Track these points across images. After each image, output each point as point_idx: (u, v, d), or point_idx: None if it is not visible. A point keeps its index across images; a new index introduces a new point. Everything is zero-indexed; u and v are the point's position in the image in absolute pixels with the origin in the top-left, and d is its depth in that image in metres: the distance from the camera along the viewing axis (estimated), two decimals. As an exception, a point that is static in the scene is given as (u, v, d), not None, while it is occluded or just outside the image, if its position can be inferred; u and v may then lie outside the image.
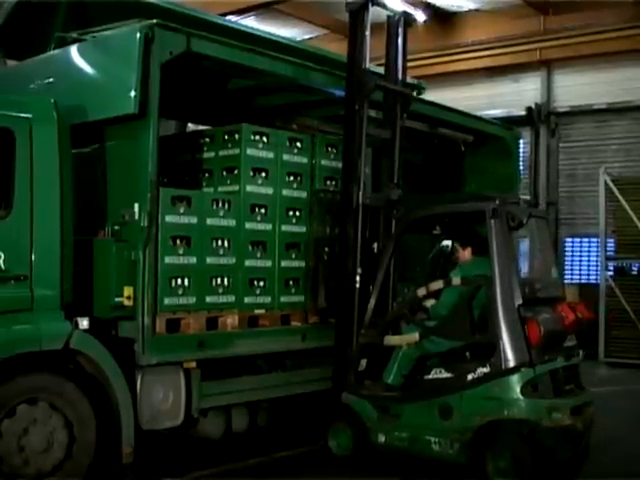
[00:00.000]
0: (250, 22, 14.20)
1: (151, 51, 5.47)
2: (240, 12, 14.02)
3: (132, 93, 5.44)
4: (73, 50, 6.08)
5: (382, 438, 6.04)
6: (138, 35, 5.45)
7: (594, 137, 15.39)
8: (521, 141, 10.50)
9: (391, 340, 6.17)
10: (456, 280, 6.01)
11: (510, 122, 10.75)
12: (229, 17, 12.14)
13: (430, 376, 5.91)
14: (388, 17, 6.99)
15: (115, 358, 5.42)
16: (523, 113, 15.56)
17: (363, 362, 6.29)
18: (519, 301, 5.61)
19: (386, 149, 6.83)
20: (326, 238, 6.89)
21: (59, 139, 5.40)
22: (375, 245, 6.59)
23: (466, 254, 6.33)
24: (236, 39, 6.24)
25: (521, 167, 10.98)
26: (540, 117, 15.73)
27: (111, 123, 5.80)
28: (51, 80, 6.06)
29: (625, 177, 13.50)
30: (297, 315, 6.77)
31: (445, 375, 5.83)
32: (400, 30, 6.93)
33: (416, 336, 6.00)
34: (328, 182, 6.99)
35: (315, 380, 6.87)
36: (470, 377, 5.65)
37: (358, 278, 6.32)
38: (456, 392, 5.70)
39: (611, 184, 12.86)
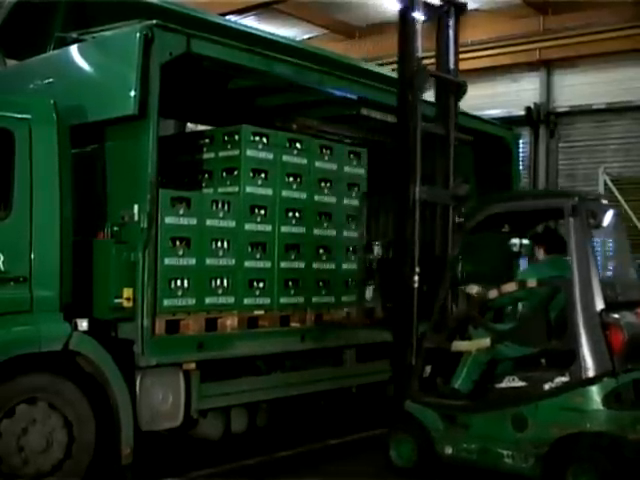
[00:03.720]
0: (250, 22, 14.19)
1: (151, 52, 5.47)
2: (240, 12, 14.01)
3: (132, 94, 5.44)
4: (73, 50, 6.08)
5: (449, 450, 5.68)
6: (138, 36, 5.45)
7: (593, 137, 15.37)
8: (520, 141, 10.49)
9: (460, 346, 5.83)
10: (532, 282, 5.66)
11: (510, 122, 10.76)
12: (229, 17, 12.14)
13: (502, 384, 5.54)
14: (438, 7, 6.68)
15: (114, 359, 5.42)
16: (522, 113, 15.54)
17: (427, 368, 5.97)
18: (601, 305, 5.24)
19: (440, 145, 6.54)
20: (378, 241, 6.69)
21: (58, 140, 5.40)
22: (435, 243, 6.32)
23: (540, 253, 6.05)
24: (236, 39, 6.24)
25: (521, 167, 10.97)
26: (539, 117, 15.72)
27: (111, 124, 5.79)
28: (51, 80, 6.05)
29: (625, 177, 13.50)
30: (296, 316, 6.77)
31: (519, 383, 5.45)
32: (451, 20, 6.66)
33: (487, 341, 5.68)
34: (322, 184, 6.98)
35: (315, 381, 6.88)
36: (547, 386, 5.29)
37: (416, 278, 6.01)
38: (531, 402, 5.35)
39: (610, 184, 12.85)
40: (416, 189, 6.06)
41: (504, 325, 5.93)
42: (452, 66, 6.62)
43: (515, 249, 6.91)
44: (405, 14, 6.32)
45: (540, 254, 6.07)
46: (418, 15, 6.32)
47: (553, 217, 5.97)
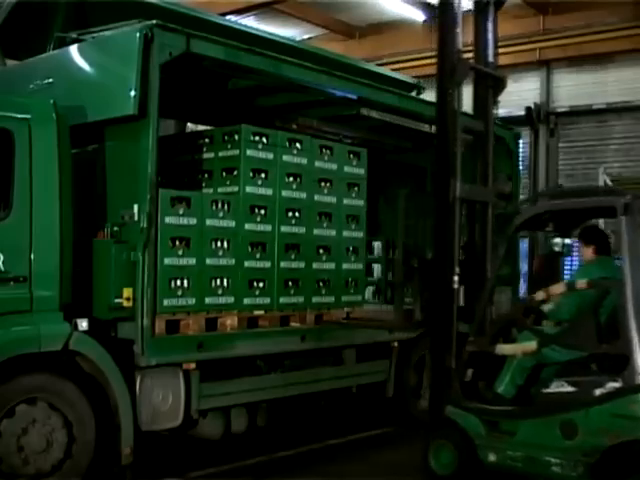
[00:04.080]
0: (250, 22, 14.19)
1: (151, 52, 5.47)
2: (240, 12, 14.00)
3: (132, 94, 5.44)
4: (73, 50, 6.08)
5: (493, 457, 5.44)
6: (138, 35, 5.45)
7: (593, 137, 15.35)
8: (520, 141, 10.48)
9: (506, 349, 5.62)
10: (581, 283, 5.39)
11: (510, 122, 10.72)
12: (229, 17, 12.14)
13: (550, 390, 5.30)
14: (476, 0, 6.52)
15: (114, 359, 5.42)
16: (522, 113, 15.54)
17: (468, 372, 5.76)
18: None
19: (478, 141, 6.38)
20: (417, 242, 6.54)
21: (58, 140, 5.40)
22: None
23: (589, 253, 5.84)
24: (236, 39, 6.24)
25: (521, 167, 10.96)
26: (539, 117, 15.71)
27: (111, 124, 5.79)
28: (50, 80, 6.05)
29: (625, 177, 13.49)
30: (296, 316, 6.77)
31: (568, 389, 5.21)
32: (490, 12, 6.47)
33: (534, 345, 5.46)
34: (322, 184, 6.98)
35: (315, 381, 6.88)
36: (598, 392, 5.03)
37: (456, 279, 5.80)
38: (581, 408, 5.09)
39: (610, 184, 12.84)
40: (456, 186, 5.81)
41: (551, 328, 5.70)
42: (491, 60, 6.40)
43: (557, 249, 6.67)
44: (446, 4, 6.13)
45: (588, 254, 5.87)
46: (459, 6, 6.11)
47: (601, 216, 5.75)
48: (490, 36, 6.43)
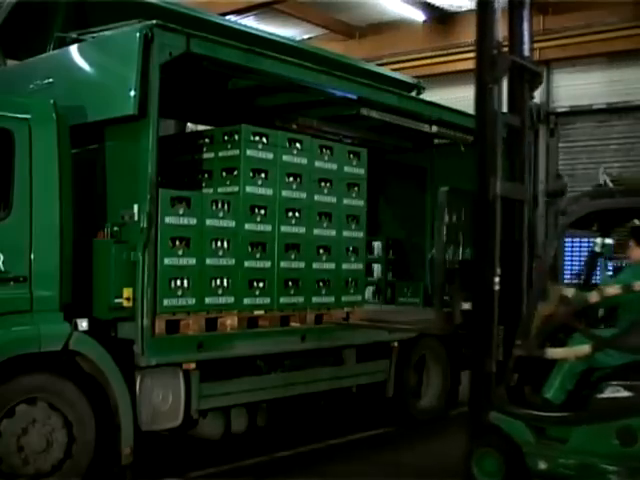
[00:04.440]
0: (250, 22, 14.20)
1: (151, 52, 5.47)
2: (240, 12, 14.02)
3: (131, 94, 5.44)
4: (73, 50, 6.08)
5: (543, 465, 5.19)
6: (138, 36, 5.45)
7: (594, 137, 15.36)
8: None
9: (558, 353, 5.37)
10: (639, 285, 5.20)
11: (510, 122, 10.72)
12: (229, 17, 12.14)
13: (604, 395, 5.07)
14: None
15: (114, 359, 5.42)
16: (523, 113, 15.55)
17: (514, 377, 5.54)
18: None
19: (514, 138, 6.12)
20: (458, 242, 6.30)
21: (58, 140, 5.40)
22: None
23: (638, 253, 5.62)
24: (236, 39, 6.23)
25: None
26: (539, 117, 15.71)
27: (110, 124, 5.79)
28: (50, 80, 6.05)
29: (625, 177, 13.49)
30: (296, 316, 6.77)
31: (624, 394, 5.00)
32: (526, 5, 6.24)
33: (587, 348, 5.23)
34: (322, 184, 6.98)
35: (315, 381, 6.88)
36: None
37: (497, 280, 5.56)
38: None
39: (610, 184, 12.84)
40: (497, 184, 5.58)
41: (606, 331, 5.50)
42: (527, 54, 6.17)
43: (597, 249, 6.52)
44: None
45: (638, 254, 5.63)
46: None
47: None
48: (526, 30, 6.19)
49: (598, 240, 6.42)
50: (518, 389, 5.51)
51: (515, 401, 5.45)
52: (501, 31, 5.94)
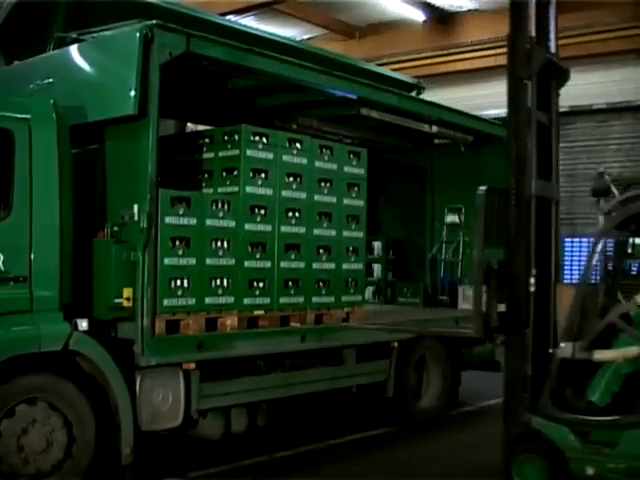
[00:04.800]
0: (250, 22, 14.21)
1: (151, 52, 5.47)
2: (240, 12, 14.04)
3: (131, 94, 5.44)
4: (73, 50, 6.08)
5: (590, 470, 5.05)
6: (138, 35, 5.45)
7: (593, 137, 15.38)
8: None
9: (606, 355, 5.25)
10: None
11: (510, 122, 10.73)
12: (229, 17, 12.15)
13: None
14: None
15: (114, 359, 5.42)
16: (523, 113, 15.55)
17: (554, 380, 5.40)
18: None
19: (543, 135, 5.91)
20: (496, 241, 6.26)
21: (58, 140, 5.39)
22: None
23: None
24: (236, 39, 6.24)
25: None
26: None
27: (111, 124, 5.79)
28: (50, 80, 6.05)
29: (625, 177, 13.49)
30: (296, 316, 6.77)
31: None
32: (552, 1, 6.05)
33: (636, 350, 5.12)
34: (322, 184, 6.98)
35: (315, 381, 6.88)
36: None
37: (533, 281, 5.46)
38: None
39: (610, 184, 12.83)
40: (532, 183, 5.45)
41: None
42: (553, 50, 6.02)
43: (629, 250, 6.35)
44: None
45: None
46: None
47: None
48: (552, 27, 6.05)
49: (630, 241, 6.22)
50: (559, 392, 5.36)
51: (557, 405, 5.30)
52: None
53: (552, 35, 5.99)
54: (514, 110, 5.59)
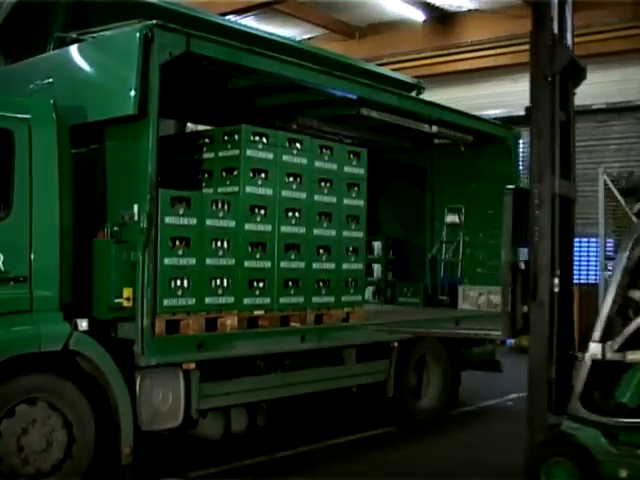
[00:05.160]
0: (250, 22, 14.20)
1: (151, 52, 5.47)
2: (240, 12, 14.03)
3: (131, 94, 5.44)
4: (73, 50, 6.08)
5: (624, 473, 4.96)
6: (138, 36, 5.45)
7: (593, 137, 15.37)
8: (521, 141, 10.50)
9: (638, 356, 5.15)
10: None
11: (510, 122, 10.73)
12: (229, 17, 12.14)
13: None
14: None
15: (114, 359, 5.42)
16: (522, 113, 15.53)
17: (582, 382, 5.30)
18: None
19: (562, 134, 5.79)
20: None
21: (58, 140, 5.39)
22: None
23: None
24: (236, 39, 6.24)
25: (521, 167, 10.98)
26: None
27: (110, 124, 5.79)
28: (50, 80, 6.05)
29: (624, 177, 13.49)
30: (296, 316, 6.77)
31: None
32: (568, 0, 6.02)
33: None
34: (322, 184, 6.98)
35: (315, 381, 6.88)
36: None
37: (557, 281, 5.40)
38: None
39: (610, 184, 12.85)
40: (555, 182, 5.38)
41: None
42: (569, 48, 5.99)
43: None
44: None
45: None
46: None
47: None
48: (569, 23, 6.00)
49: None
50: (587, 395, 5.27)
51: (586, 407, 5.22)
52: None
53: (569, 33, 5.94)
54: (537, 108, 5.51)
